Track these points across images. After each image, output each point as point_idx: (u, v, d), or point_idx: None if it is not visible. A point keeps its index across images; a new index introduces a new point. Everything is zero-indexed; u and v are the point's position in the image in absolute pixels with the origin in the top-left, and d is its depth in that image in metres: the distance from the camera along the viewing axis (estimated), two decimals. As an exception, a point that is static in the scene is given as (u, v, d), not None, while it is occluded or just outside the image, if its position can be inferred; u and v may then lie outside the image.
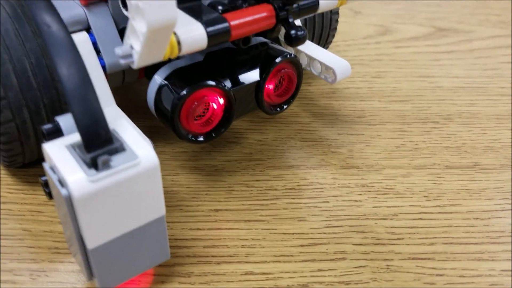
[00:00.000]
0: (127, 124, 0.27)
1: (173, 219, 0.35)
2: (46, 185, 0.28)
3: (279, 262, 0.33)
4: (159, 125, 0.42)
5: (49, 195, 0.28)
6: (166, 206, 0.34)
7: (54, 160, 0.25)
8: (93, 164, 0.24)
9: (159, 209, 0.27)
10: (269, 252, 0.33)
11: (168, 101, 0.33)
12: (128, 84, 0.42)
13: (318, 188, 0.38)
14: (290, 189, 0.38)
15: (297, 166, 0.40)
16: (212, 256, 0.33)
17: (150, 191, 0.26)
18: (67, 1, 0.34)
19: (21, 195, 0.37)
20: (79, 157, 0.25)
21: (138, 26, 0.24)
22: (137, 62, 0.26)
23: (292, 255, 0.33)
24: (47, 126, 0.27)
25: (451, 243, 0.34)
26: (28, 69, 0.32)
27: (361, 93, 0.48)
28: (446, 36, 0.59)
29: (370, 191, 0.38)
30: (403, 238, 0.34)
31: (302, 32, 0.31)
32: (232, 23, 0.29)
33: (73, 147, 0.25)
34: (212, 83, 0.33)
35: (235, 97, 0.35)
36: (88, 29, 0.34)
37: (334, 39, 0.55)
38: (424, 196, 0.38)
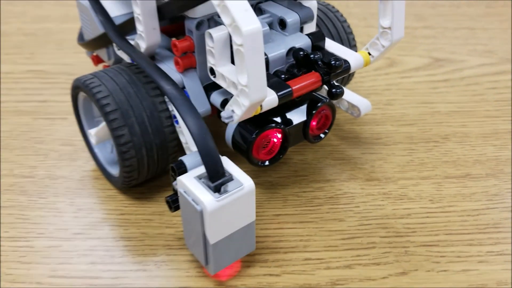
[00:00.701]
0: (228, 161, 0.40)
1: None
2: (173, 202, 0.41)
3: (328, 250, 0.46)
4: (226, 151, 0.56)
5: (174, 209, 0.41)
6: (244, 213, 0.47)
7: (189, 187, 0.38)
8: (217, 190, 0.37)
9: (251, 216, 0.41)
10: (320, 244, 0.46)
11: (244, 140, 0.46)
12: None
13: (350, 197, 0.51)
14: (330, 197, 0.51)
15: (333, 179, 0.53)
16: (280, 248, 0.46)
17: (248, 205, 0.39)
18: (168, 68, 0.48)
19: (133, 208, 0.50)
20: (206, 185, 0.38)
21: (241, 101, 0.37)
22: (236, 120, 0.39)
23: (337, 246, 0.46)
24: (176, 163, 0.41)
25: (450, 234, 0.47)
26: (145, 120, 0.45)
27: (376, 119, 0.62)
28: (441, 66, 0.72)
29: (389, 198, 0.51)
30: (415, 231, 0.48)
31: (341, 89, 0.44)
32: (293, 87, 0.42)
33: (199, 177, 0.39)
34: (273, 125, 0.46)
35: (289, 133, 0.48)
36: (183, 88, 0.48)
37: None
38: (429, 200, 0.51)
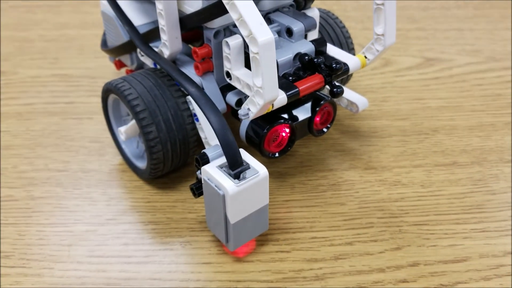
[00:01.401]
0: (245, 152, 0.47)
1: (260, 207, 0.55)
2: (197, 189, 0.47)
3: (332, 230, 0.52)
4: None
5: (198, 195, 0.48)
6: (258, 199, 0.53)
7: (212, 175, 0.44)
8: (236, 177, 0.44)
9: (265, 200, 0.47)
10: (324, 225, 0.53)
11: (257, 134, 0.52)
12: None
13: (350, 183, 0.58)
14: (332, 184, 0.58)
15: (335, 169, 0.60)
16: (289, 228, 0.52)
17: (263, 190, 0.46)
18: (189, 72, 0.54)
19: (158, 196, 0.56)
20: (227, 173, 0.44)
21: (257, 100, 0.44)
22: (251, 117, 0.46)
23: (339, 226, 0.53)
24: (200, 155, 0.47)
25: (439, 214, 0.54)
26: (170, 118, 0.52)
27: (373, 114, 0.68)
28: (432, 65, 0.79)
29: (385, 184, 0.57)
30: (408, 213, 0.54)
31: (341, 89, 0.51)
32: (300, 88, 0.49)
33: (221, 167, 0.45)
34: (282, 121, 0.53)
35: (296, 128, 0.54)
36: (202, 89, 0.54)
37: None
38: (421, 185, 0.57)
